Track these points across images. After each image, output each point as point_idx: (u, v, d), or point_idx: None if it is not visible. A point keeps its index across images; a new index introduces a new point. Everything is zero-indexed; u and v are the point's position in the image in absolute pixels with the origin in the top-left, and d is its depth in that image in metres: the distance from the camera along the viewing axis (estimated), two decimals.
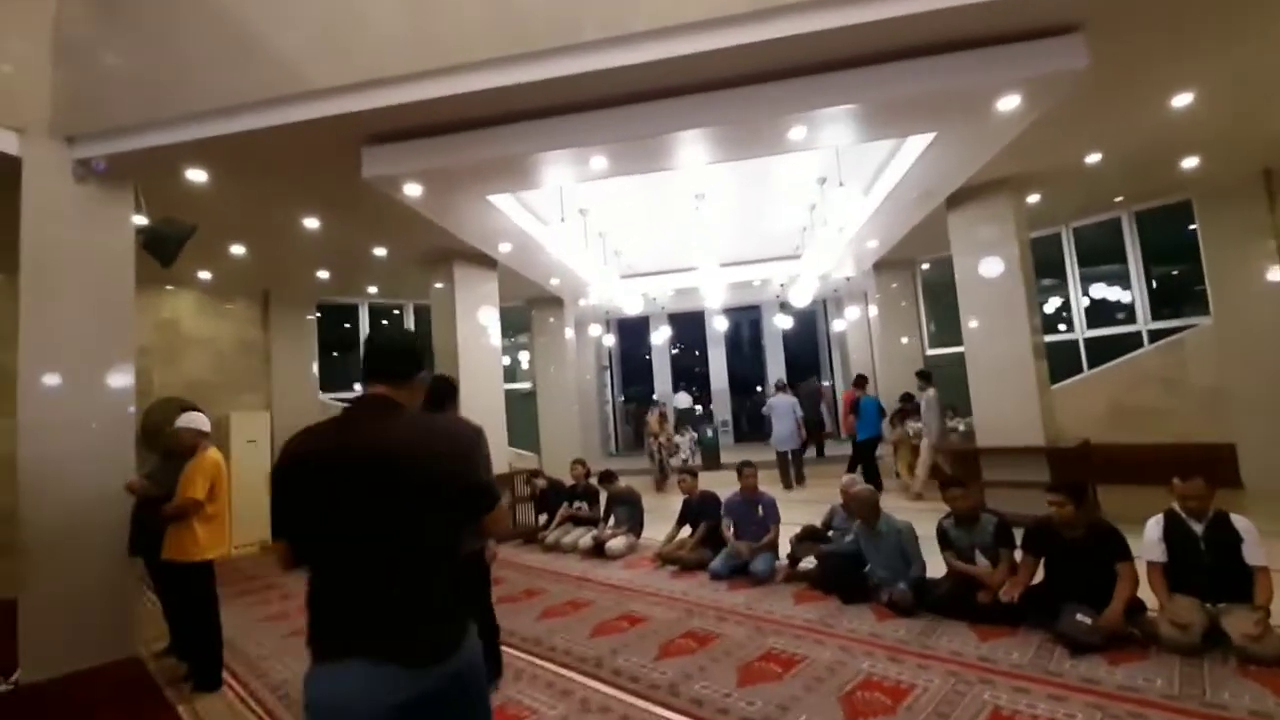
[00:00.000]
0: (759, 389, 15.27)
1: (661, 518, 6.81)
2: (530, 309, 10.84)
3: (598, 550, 5.98)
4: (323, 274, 8.10)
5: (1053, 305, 8.72)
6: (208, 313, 8.30)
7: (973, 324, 6.44)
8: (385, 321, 10.59)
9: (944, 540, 4.10)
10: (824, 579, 4.50)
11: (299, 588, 1.63)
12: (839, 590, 4.31)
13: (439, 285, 7.73)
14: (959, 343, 6.69)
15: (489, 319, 7.73)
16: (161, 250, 4.91)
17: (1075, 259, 8.31)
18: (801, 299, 8.38)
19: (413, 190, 4.85)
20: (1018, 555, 3.83)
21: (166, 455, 4.09)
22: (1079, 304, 8.30)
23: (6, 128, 4.10)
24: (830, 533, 4.97)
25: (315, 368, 9.27)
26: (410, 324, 10.47)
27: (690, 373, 16.03)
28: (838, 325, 11.83)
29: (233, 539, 7.81)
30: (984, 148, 5.01)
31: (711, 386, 15.26)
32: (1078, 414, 7.37)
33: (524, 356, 12.04)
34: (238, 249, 6.76)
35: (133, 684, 3.88)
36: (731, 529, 5.24)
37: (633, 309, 8.90)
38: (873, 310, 10.60)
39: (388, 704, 1.36)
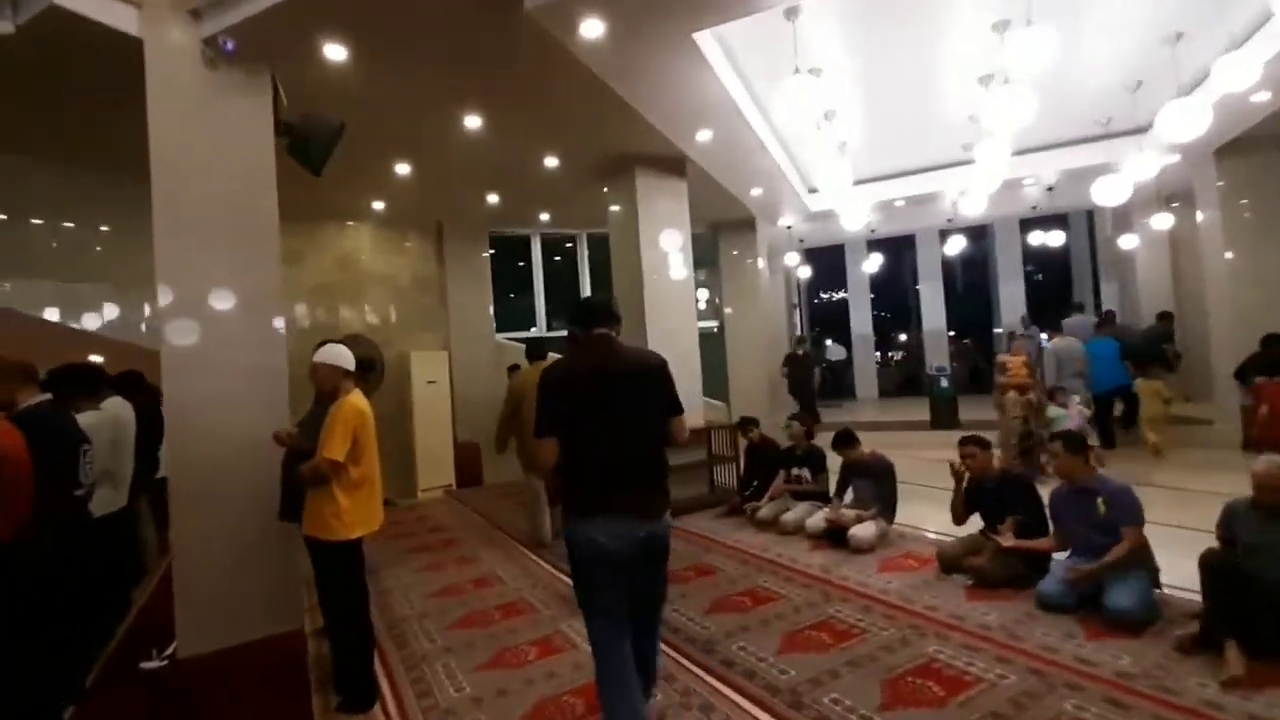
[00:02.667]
0: (996, 329, 12.34)
1: (922, 498, 5.08)
2: (715, 236, 9.29)
3: (831, 536, 4.45)
4: (493, 198, 7.23)
5: None
6: (385, 248, 7.91)
7: None
8: (558, 258, 9.74)
9: None
10: None
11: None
12: None
13: (615, 208, 6.45)
14: None
15: (677, 242, 6.30)
16: (308, 152, 4.12)
17: None
18: (1114, 196, 5.80)
19: (591, 30, 3.47)
20: None
21: (318, 400, 3.29)
22: None
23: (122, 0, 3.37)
24: (1235, 546, 2.87)
25: (491, 309, 8.64)
26: (584, 256, 9.50)
27: (898, 308, 13.49)
28: (1126, 242, 8.71)
29: (419, 482, 7.54)
30: None
31: (923, 327, 12.69)
32: None
33: (702, 294, 10.62)
34: (403, 168, 6.00)
35: (288, 666, 3.22)
36: (1055, 531, 3.42)
37: (856, 223, 6.94)
38: (1201, 215, 7.44)
39: (630, 540, 2.06)
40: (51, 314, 5.87)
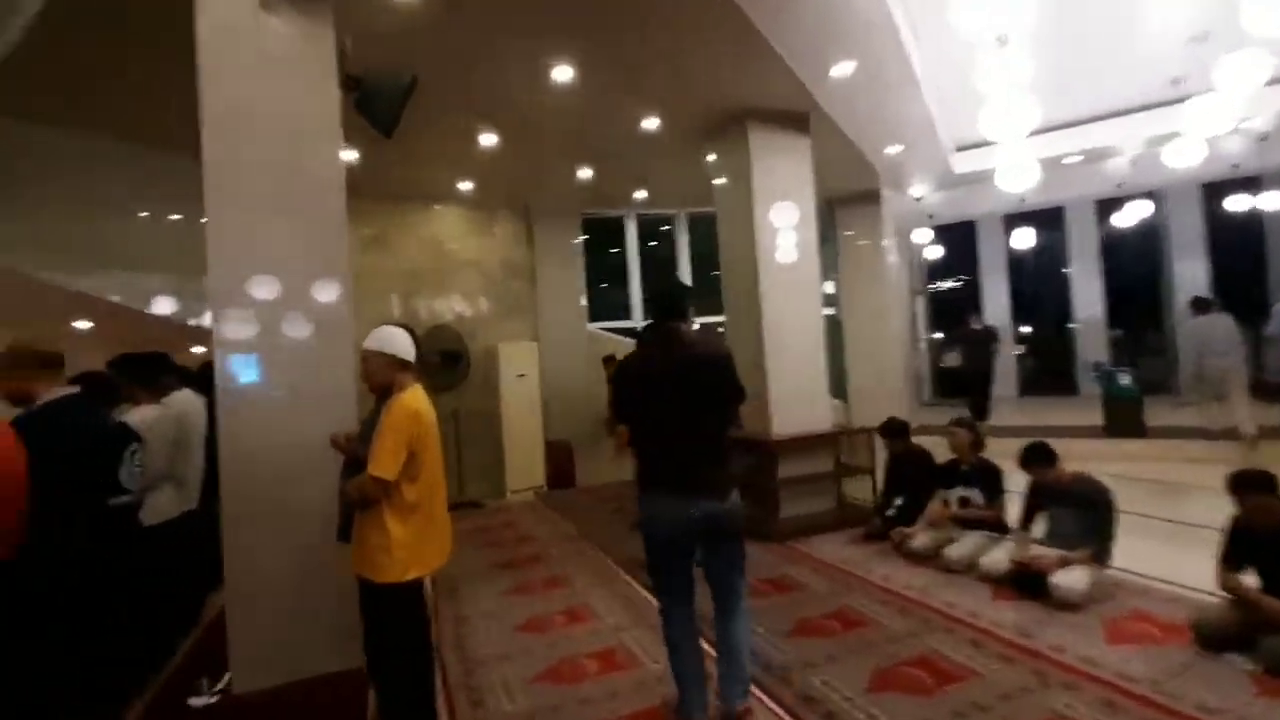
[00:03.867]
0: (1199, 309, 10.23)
1: (1136, 531, 3.91)
2: (831, 211, 8.16)
3: (1019, 581, 3.39)
4: (585, 173, 6.55)
5: None
6: (473, 231, 7.45)
7: None
8: (654, 242, 8.99)
9: None
10: None
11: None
12: None
13: (721, 181, 5.57)
14: None
15: (799, 214, 5.32)
16: (376, 109, 3.56)
17: None
18: None
19: None
20: None
21: (381, 396, 2.69)
22: None
23: None
24: None
25: (583, 299, 8.01)
26: (684, 238, 8.68)
27: (1021, 294, 11.59)
28: None
29: (508, 483, 7.05)
30: None
31: (1076, 313, 10.84)
32: None
33: None
34: (488, 138, 5.42)
35: (348, 711, 2.65)
36: None
37: (1022, 183, 5.65)
38: None
39: (690, 516, 2.21)
40: (163, 306, 5.86)
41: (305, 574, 2.97)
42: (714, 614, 2.34)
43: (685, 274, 8.81)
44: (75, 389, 2.39)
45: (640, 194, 7.60)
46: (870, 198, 7.94)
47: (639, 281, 8.64)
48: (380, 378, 2.21)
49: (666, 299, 2.40)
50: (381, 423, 2.09)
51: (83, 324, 6.35)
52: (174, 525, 3.29)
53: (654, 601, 2.54)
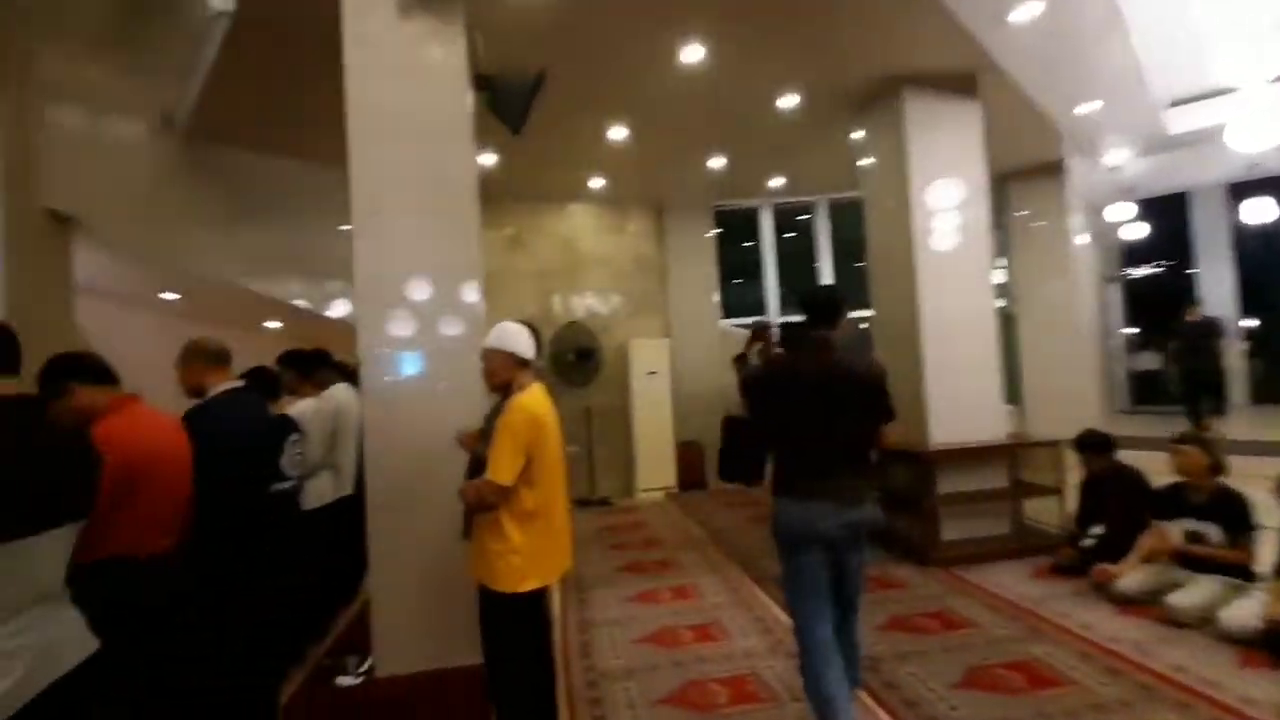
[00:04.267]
0: None
1: None
2: (1002, 188, 7.13)
3: (1273, 644, 2.59)
4: (717, 161, 6.26)
5: None
6: (605, 228, 7.46)
7: None
8: (791, 234, 8.47)
9: None
10: None
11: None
12: None
13: (869, 161, 5.03)
14: None
15: (966, 189, 4.63)
16: (506, 107, 3.57)
17: None
18: None
19: None
20: None
21: (503, 394, 2.64)
22: None
23: None
24: None
25: (715, 295, 7.72)
26: (823, 226, 8.08)
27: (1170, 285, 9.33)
28: None
29: (638, 482, 6.97)
30: None
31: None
32: None
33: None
34: (617, 131, 5.32)
35: (479, 703, 2.63)
36: None
37: (1261, 142, 4.49)
38: None
39: (835, 524, 2.17)
40: (339, 309, 6.51)
41: (444, 566, 2.99)
42: (838, 620, 2.32)
43: (825, 266, 8.19)
44: (240, 383, 2.56)
45: (776, 181, 7.15)
46: (1050, 170, 6.82)
47: (775, 275, 8.16)
48: (499, 376, 2.11)
49: (817, 306, 2.36)
50: (500, 425, 1.98)
51: (273, 324, 7.25)
52: (331, 509, 3.52)
53: (790, 622, 2.35)
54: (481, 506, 1.99)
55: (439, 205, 3.18)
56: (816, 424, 2.20)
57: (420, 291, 3.14)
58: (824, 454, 2.22)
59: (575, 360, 6.89)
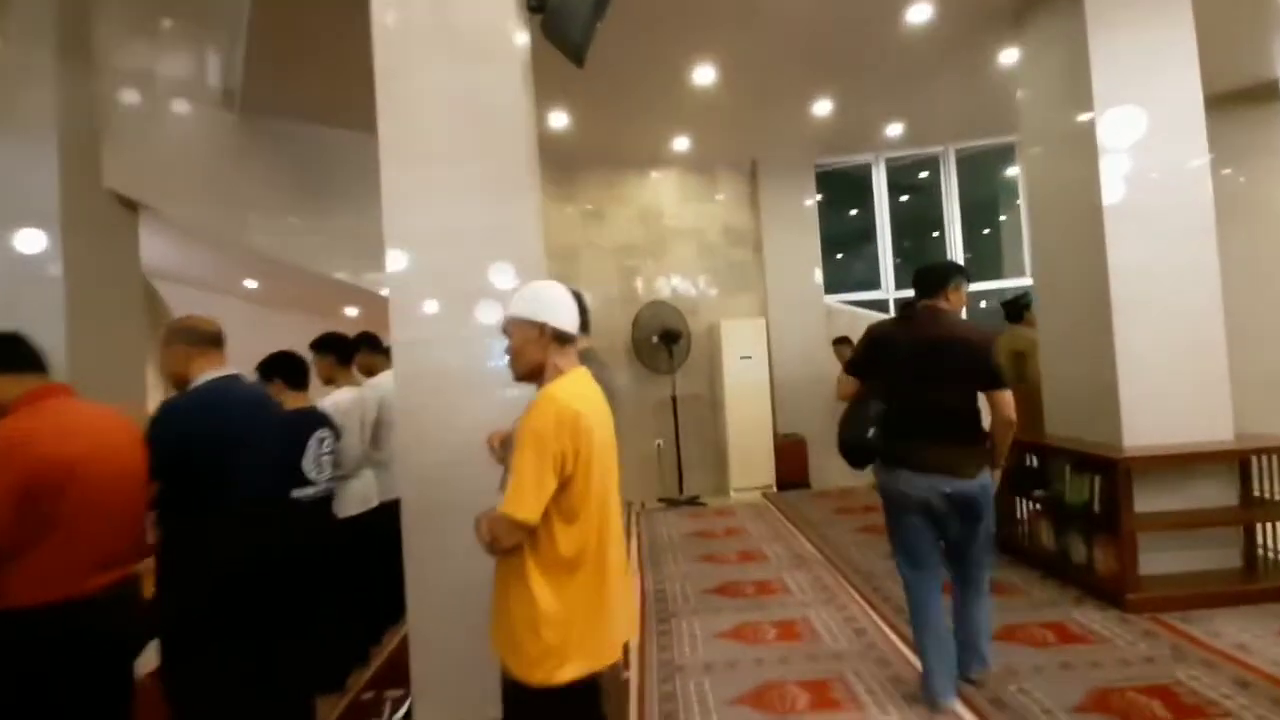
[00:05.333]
0: None
1: None
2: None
3: None
4: (823, 106, 5.31)
5: None
6: (692, 197, 6.67)
7: None
8: (906, 196, 7.30)
9: None
10: None
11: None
12: None
13: (1029, 91, 3.95)
14: None
15: (1174, 116, 3.44)
16: (565, 30, 2.88)
17: None
18: None
19: None
20: None
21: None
22: None
23: None
24: None
25: (818, 269, 6.73)
26: (950, 179, 6.84)
27: None
28: None
29: (731, 481, 6.21)
30: None
31: None
32: None
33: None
34: (704, 72, 4.52)
35: None
36: None
37: None
38: None
39: (933, 493, 2.20)
40: None
41: (486, 587, 2.42)
42: (956, 594, 2.39)
43: (954, 232, 6.95)
44: (231, 370, 2.06)
45: (894, 129, 6.06)
46: (1265, 95, 5.28)
47: (889, 242, 7.03)
48: (528, 358, 1.44)
49: (928, 275, 2.41)
50: (519, 428, 1.32)
51: (351, 310, 7.08)
52: (376, 514, 3.05)
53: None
54: (495, 549, 1.34)
55: (485, 146, 2.55)
56: (913, 388, 2.25)
57: (462, 256, 2.54)
58: (920, 419, 2.25)
59: (660, 343, 6.20)
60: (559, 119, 5.13)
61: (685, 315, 6.33)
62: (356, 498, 3.02)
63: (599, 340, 6.54)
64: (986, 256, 7.78)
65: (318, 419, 2.66)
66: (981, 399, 2.29)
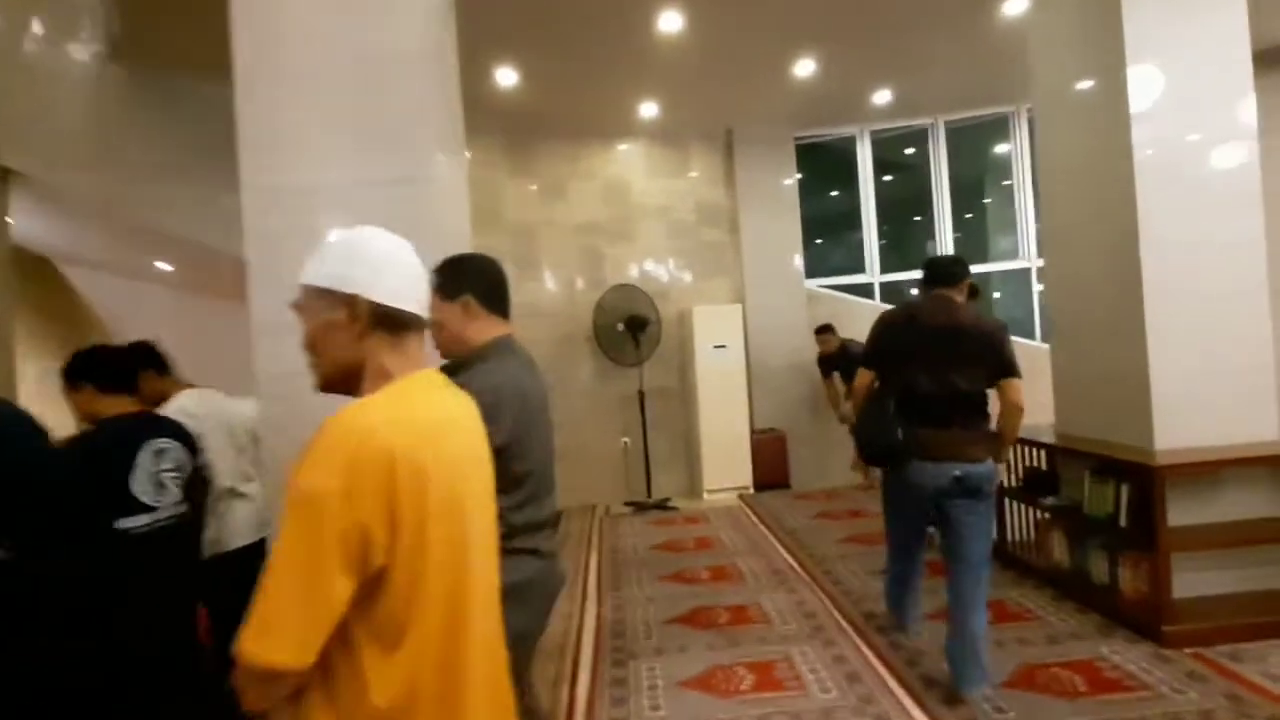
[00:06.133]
0: None
1: None
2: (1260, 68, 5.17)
3: None
4: (805, 67, 4.76)
5: None
6: (661, 171, 6.09)
7: None
8: (890, 176, 6.80)
9: None
10: None
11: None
12: None
13: (1043, 47, 3.43)
14: None
15: (1215, 64, 2.94)
16: None
17: None
18: None
19: None
20: None
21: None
22: None
23: None
24: None
25: (799, 249, 6.20)
26: (939, 154, 6.35)
27: None
28: None
29: (704, 483, 5.69)
30: None
31: None
32: None
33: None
34: (670, 20, 3.93)
35: None
36: None
37: None
38: None
39: (940, 477, 2.20)
40: None
41: None
42: (953, 588, 2.29)
43: (944, 212, 6.47)
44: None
45: (881, 96, 5.53)
46: None
47: (874, 223, 6.51)
48: (331, 354, 0.86)
49: (944, 265, 2.44)
50: (288, 487, 0.73)
51: None
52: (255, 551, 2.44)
53: None
54: (251, 710, 0.75)
55: (382, 85, 1.94)
56: (924, 374, 2.26)
57: (346, 221, 1.92)
58: (930, 405, 2.25)
59: (626, 331, 5.62)
60: (506, 75, 4.49)
61: (654, 301, 5.75)
62: (229, 530, 2.40)
63: (557, 328, 5.97)
64: (971, 240, 7.34)
65: (160, 425, 2.03)
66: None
